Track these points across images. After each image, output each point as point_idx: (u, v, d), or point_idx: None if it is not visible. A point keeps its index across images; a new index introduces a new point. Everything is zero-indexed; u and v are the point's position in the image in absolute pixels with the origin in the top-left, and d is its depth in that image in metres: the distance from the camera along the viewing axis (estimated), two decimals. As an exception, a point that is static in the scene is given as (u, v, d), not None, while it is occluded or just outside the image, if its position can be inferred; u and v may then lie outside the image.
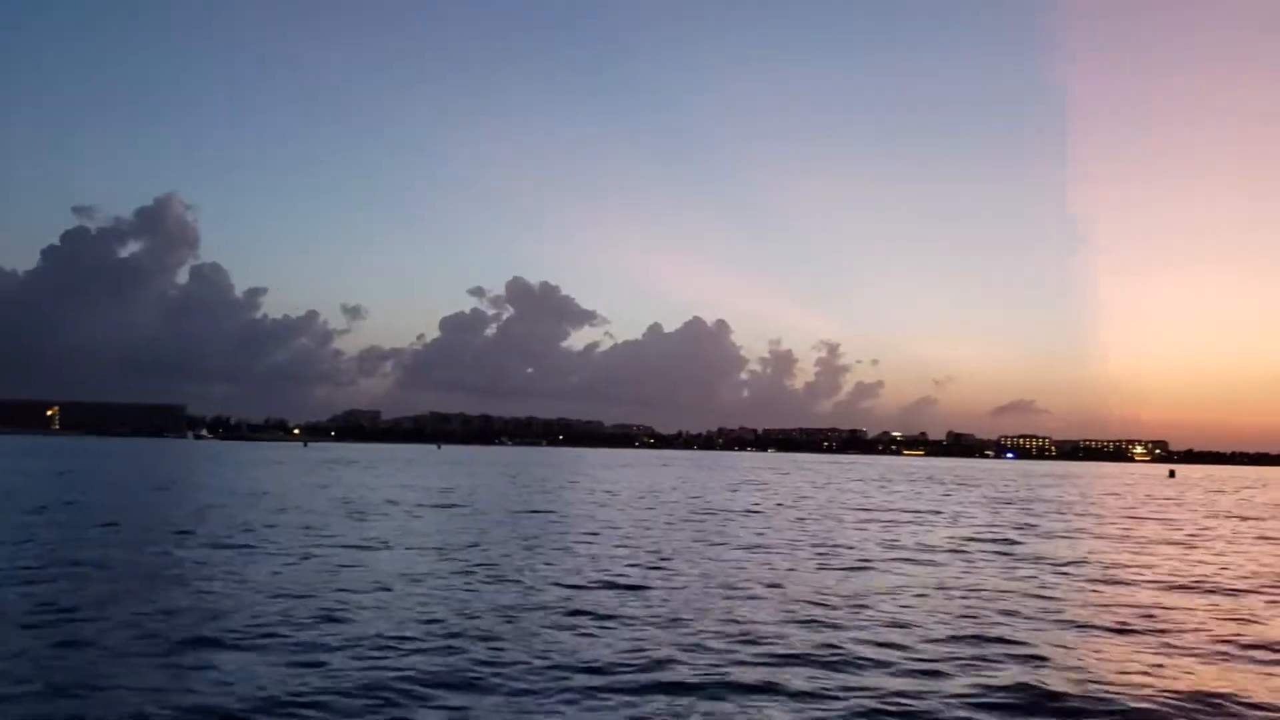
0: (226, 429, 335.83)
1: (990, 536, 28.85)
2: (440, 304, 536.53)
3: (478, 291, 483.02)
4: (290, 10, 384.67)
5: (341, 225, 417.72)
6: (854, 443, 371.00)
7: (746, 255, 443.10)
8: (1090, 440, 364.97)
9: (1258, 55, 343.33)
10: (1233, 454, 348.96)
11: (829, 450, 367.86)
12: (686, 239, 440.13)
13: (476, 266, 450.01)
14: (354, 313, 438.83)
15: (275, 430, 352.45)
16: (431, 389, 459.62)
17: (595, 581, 17.25)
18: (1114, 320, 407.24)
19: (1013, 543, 26.88)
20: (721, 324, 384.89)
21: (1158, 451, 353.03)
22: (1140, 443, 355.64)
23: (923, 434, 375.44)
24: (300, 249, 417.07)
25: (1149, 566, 21.95)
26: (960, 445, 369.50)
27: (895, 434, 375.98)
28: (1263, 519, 42.09)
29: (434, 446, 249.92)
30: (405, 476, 61.99)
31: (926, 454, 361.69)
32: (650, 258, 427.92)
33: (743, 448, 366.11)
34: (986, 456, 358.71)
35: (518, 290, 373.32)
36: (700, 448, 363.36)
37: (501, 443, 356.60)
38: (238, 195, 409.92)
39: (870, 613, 14.80)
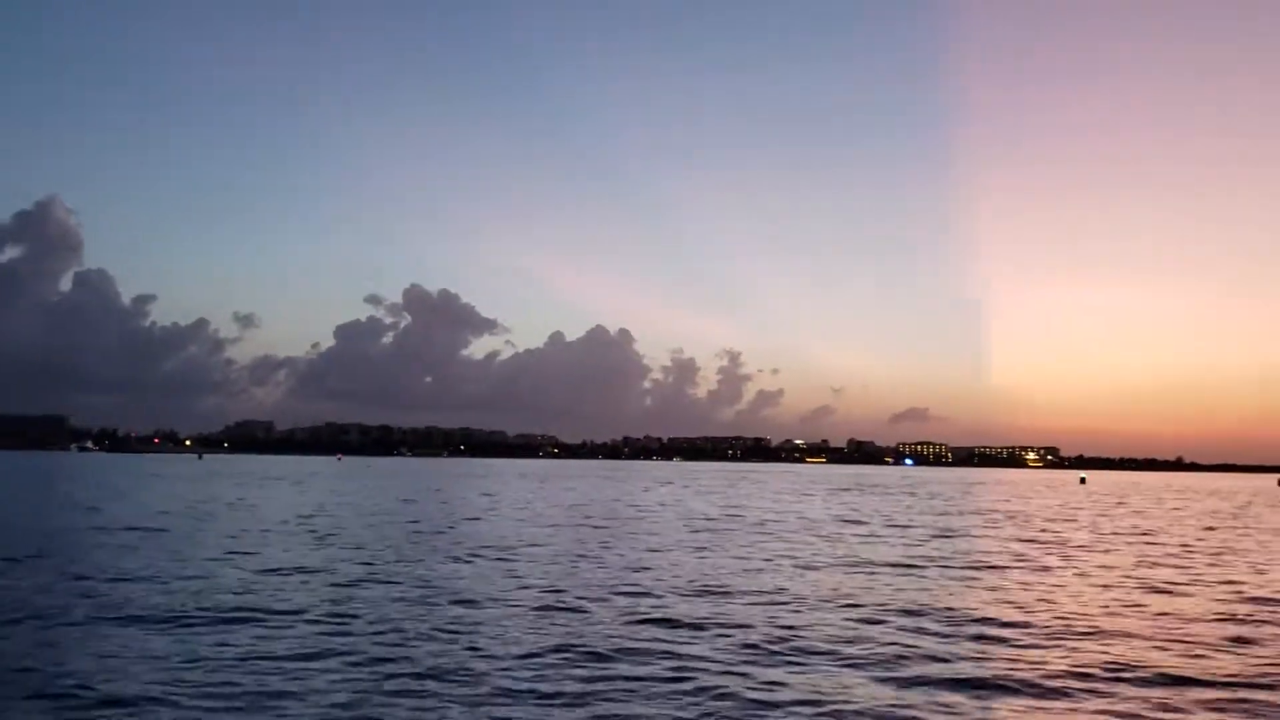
0: (114, 441, 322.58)
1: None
2: (336, 312, 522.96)
3: (374, 299, 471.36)
4: (181, 11, 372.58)
5: (233, 231, 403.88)
6: (758, 451, 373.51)
7: (649, 264, 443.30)
8: (985, 447, 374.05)
9: (1139, 69, 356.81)
10: (1120, 460, 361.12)
11: (733, 458, 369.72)
12: (589, 247, 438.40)
13: (373, 274, 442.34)
14: (246, 321, 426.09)
15: (165, 442, 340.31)
16: (327, 399, 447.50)
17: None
18: (1003, 329, 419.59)
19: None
20: (624, 333, 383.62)
21: (1049, 458, 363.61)
22: (1033, 449, 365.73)
23: (824, 442, 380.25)
24: (190, 255, 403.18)
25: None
26: (862, 453, 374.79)
27: (798, 442, 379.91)
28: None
29: (334, 458, 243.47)
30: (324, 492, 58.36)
31: (829, 461, 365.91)
32: (552, 266, 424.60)
33: (649, 456, 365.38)
34: (887, 464, 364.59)
35: (416, 298, 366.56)
36: (606, 457, 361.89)
37: (401, 453, 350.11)
38: (123, 199, 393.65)
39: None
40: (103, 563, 19.87)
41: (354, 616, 14.41)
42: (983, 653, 12.74)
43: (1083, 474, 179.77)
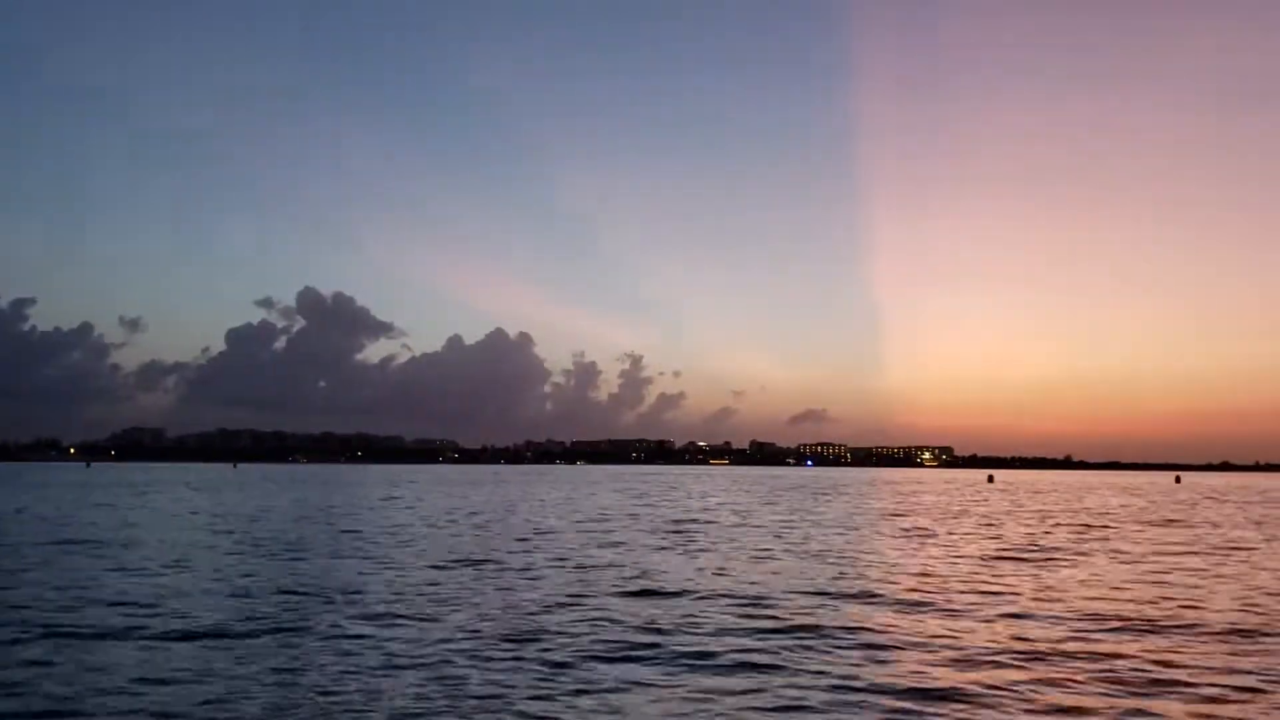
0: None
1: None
2: (226, 316, 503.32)
3: (266, 302, 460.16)
4: (56, 6, 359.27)
5: (117, 233, 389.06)
6: (661, 453, 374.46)
7: (550, 267, 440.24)
8: (881, 447, 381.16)
9: (1028, 84, 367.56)
10: (1012, 458, 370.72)
11: (637, 461, 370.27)
12: (489, 250, 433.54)
13: (265, 277, 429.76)
14: (132, 325, 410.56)
15: (47, 450, 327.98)
16: (218, 405, 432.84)
17: None
18: (895, 332, 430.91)
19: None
20: (525, 336, 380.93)
21: (944, 457, 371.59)
22: (928, 449, 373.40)
23: (727, 443, 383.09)
24: (72, 257, 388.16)
25: None
26: (764, 454, 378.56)
27: (702, 444, 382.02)
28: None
29: (228, 465, 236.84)
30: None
31: (732, 463, 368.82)
32: (449, 268, 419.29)
33: (552, 461, 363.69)
34: (788, 464, 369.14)
35: (309, 301, 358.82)
36: (508, 462, 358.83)
37: (296, 460, 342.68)
38: (0, 200, 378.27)
39: None
40: None
41: None
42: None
43: (990, 472, 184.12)
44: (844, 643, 13.37)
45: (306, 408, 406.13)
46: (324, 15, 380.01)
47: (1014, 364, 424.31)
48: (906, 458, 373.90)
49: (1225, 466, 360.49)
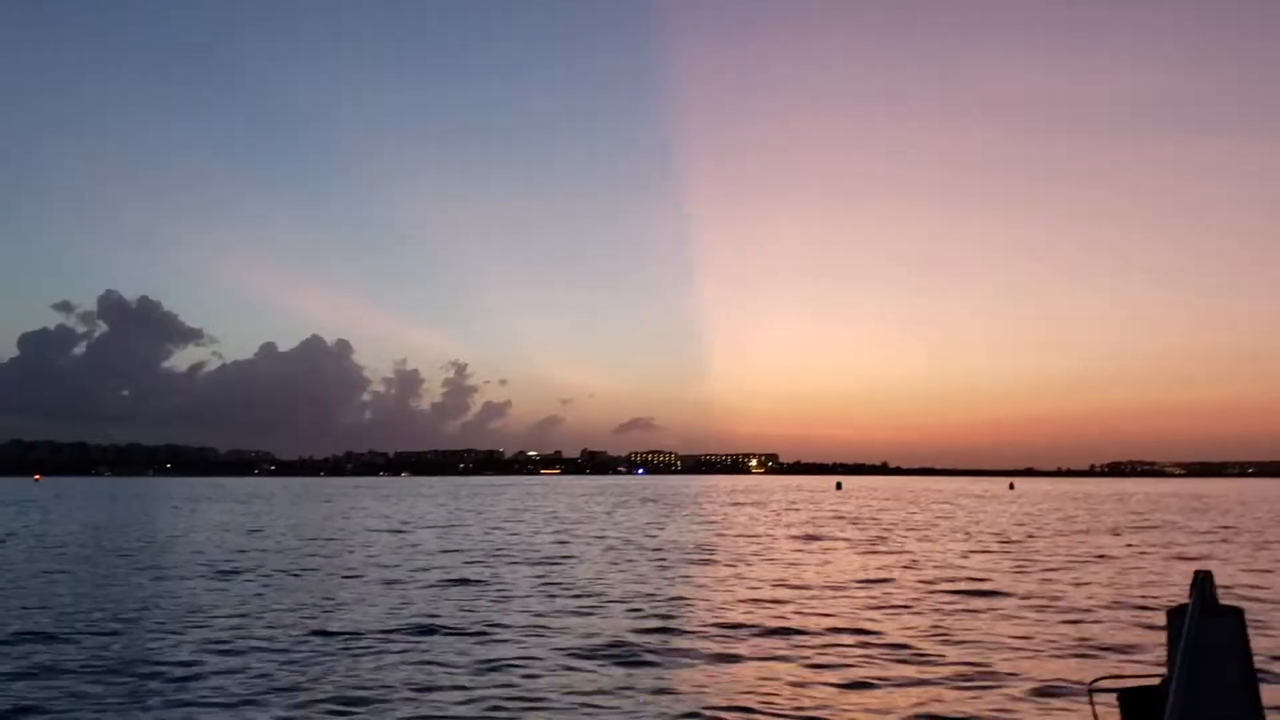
0: None
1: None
2: (19, 320, 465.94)
3: (64, 306, 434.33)
4: None
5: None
6: (491, 463, 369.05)
7: (370, 274, 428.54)
8: (710, 454, 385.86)
9: (851, 95, 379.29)
10: (833, 465, 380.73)
11: (466, 471, 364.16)
12: (304, 255, 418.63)
13: (63, 279, 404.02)
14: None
15: None
16: (12, 414, 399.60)
17: None
18: (719, 342, 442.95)
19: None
20: (343, 343, 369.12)
21: (770, 464, 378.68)
22: (755, 455, 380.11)
23: (558, 452, 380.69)
24: None
25: None
26: (595, 463, 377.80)
27: (532, 453, 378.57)
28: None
29: (30, 479, 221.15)
30: None
31: (563, 472, 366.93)
32: (263, 273, 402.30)
33: (375, 472, 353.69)
34: (620, 472, 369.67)
35: (112, 306, 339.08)
36: (329, 473, 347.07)
37: (100, 473, 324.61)
38: None
39: None
40: None
41: None
42: None
43: (838, 479, 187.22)
44: None
45: (109, 418, 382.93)
46: (132, 12, 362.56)
47: (831, 373, 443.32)
48: (735, 464, 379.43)
49: (1029, 472, 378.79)
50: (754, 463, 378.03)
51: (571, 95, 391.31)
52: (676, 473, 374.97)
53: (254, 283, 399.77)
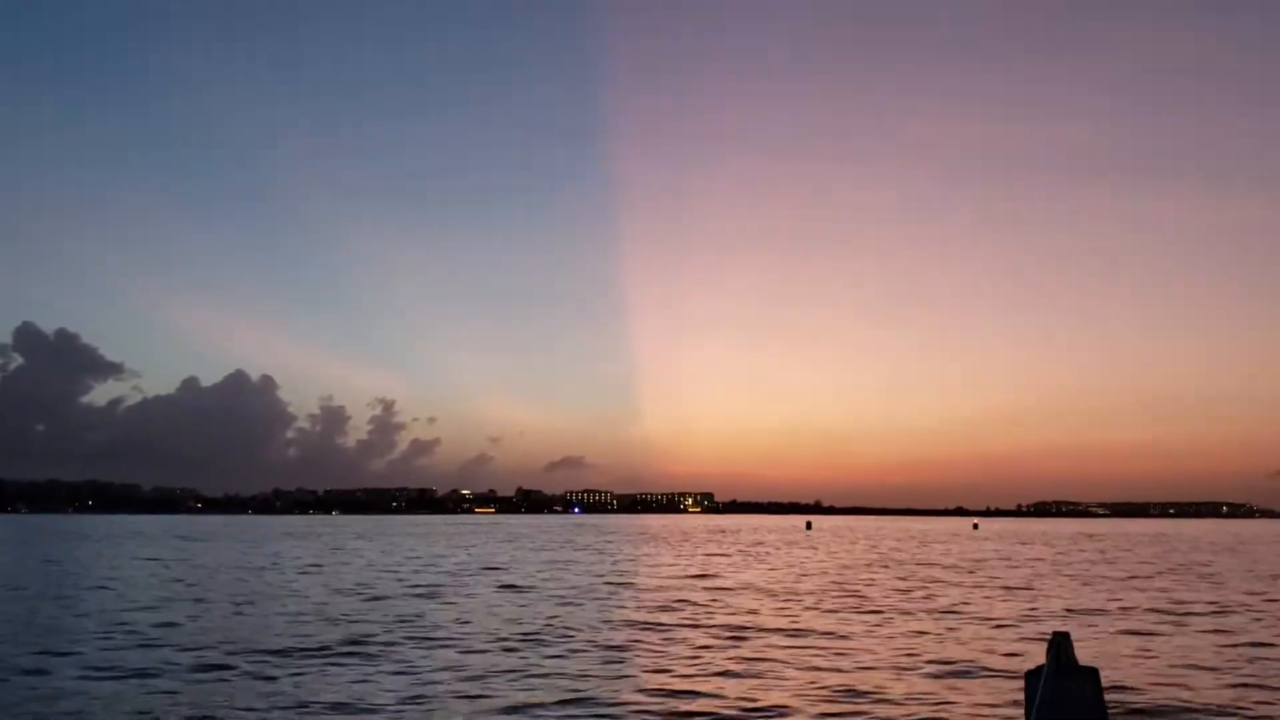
0: None
1: None
2: None
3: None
4: None
5: None
6: (423, 502, 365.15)
7: (296, 309, 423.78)
8: (646, 493, 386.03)
9: (766, 145, 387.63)
10: (769, 503, 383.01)
11: (398, 510, 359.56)
12: (228, 289, 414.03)
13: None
14: None
15: None
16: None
17: None
18: (651, 381, 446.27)
19: None
20: (267, 379, 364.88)
21: (705, 503, 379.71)
22: (691, 495, 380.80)
23: (492, 491, 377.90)
24: None
25: None
26: (530, 501, 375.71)
27: (465, 492, 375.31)
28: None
29: None
30: None
31: (498, 511, 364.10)
32: (186, 307, 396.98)
33: (305, 510, 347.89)
34: (556, 511, 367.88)
35: (27, 338, 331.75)
36: (256, 511, 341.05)
37: (16, 510, 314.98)
38: None
39: None
40: None
41: None
42: None
43: (809, 519, 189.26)
44: None
45: (25, 453, 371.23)
46: (50, 38, 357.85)
47: (763, 413, 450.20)
48: (670, 504, 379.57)
49: (960, 511, 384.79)
50: (690, 501, 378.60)
51: (502, 133, 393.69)
52: (612, 511, 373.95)
53: (176, 316, 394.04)
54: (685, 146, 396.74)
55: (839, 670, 15.46)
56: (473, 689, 14.01)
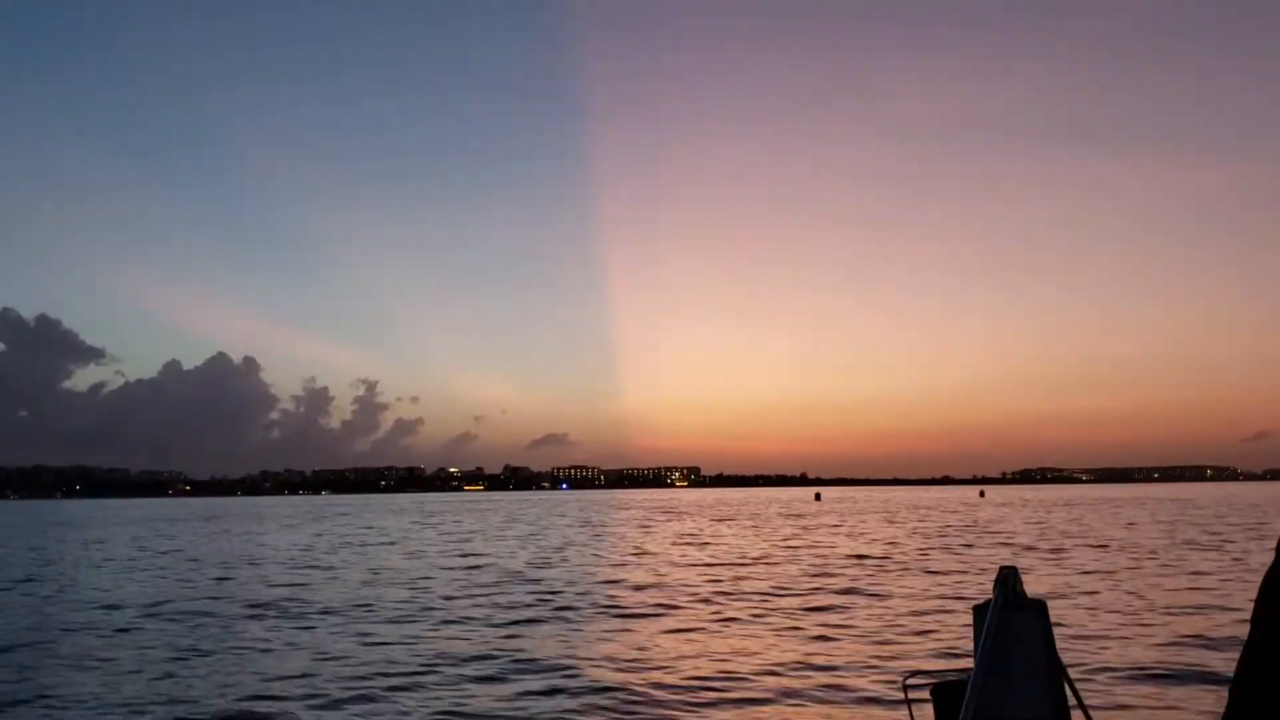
0: None
1: None
2: None
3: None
4: None
5: None
6: (412, 480, 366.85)
7: (278, 290, 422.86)
8: (633, 468, 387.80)
9: (743, 118, 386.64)
10: (755, 476, 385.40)
11: (386, 489, 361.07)
12: (208, 272, 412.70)
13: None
14: None
15: None
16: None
17: None
18: (632, 356, 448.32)
19: None
20: (250, 361, 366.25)
21: (693, 477, 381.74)
22: (677, 469, 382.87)
23: (479, 468, 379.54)
24: None
25: None
26: (517, 478, 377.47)
27: (453, 470, 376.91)
28: None
29: None
30: None
31: (487, 488, 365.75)
32: (165, 290, 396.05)
33: (294, 491, 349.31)
34: (544, 488, 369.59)
35: (9, 324, 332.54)
36: (245, 493, 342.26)
37: (5, 496, 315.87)
38: None
39: None
40: None
41: None
42: None
43: (818, 490, 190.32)
44: None
45: (9, 440, 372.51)
46: (29, 22, 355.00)
47: (746, 386, 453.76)
48: (657, 478, 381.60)
49: (946, 480, 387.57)
50: (677, 475, 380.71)
51: (480, 112, 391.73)
52: (600, 487, 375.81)
53: (157, 299, 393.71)
54: (663, 118, 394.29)
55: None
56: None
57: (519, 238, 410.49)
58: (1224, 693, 1.87)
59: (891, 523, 53.12)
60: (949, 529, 45.20)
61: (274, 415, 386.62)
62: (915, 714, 2.90)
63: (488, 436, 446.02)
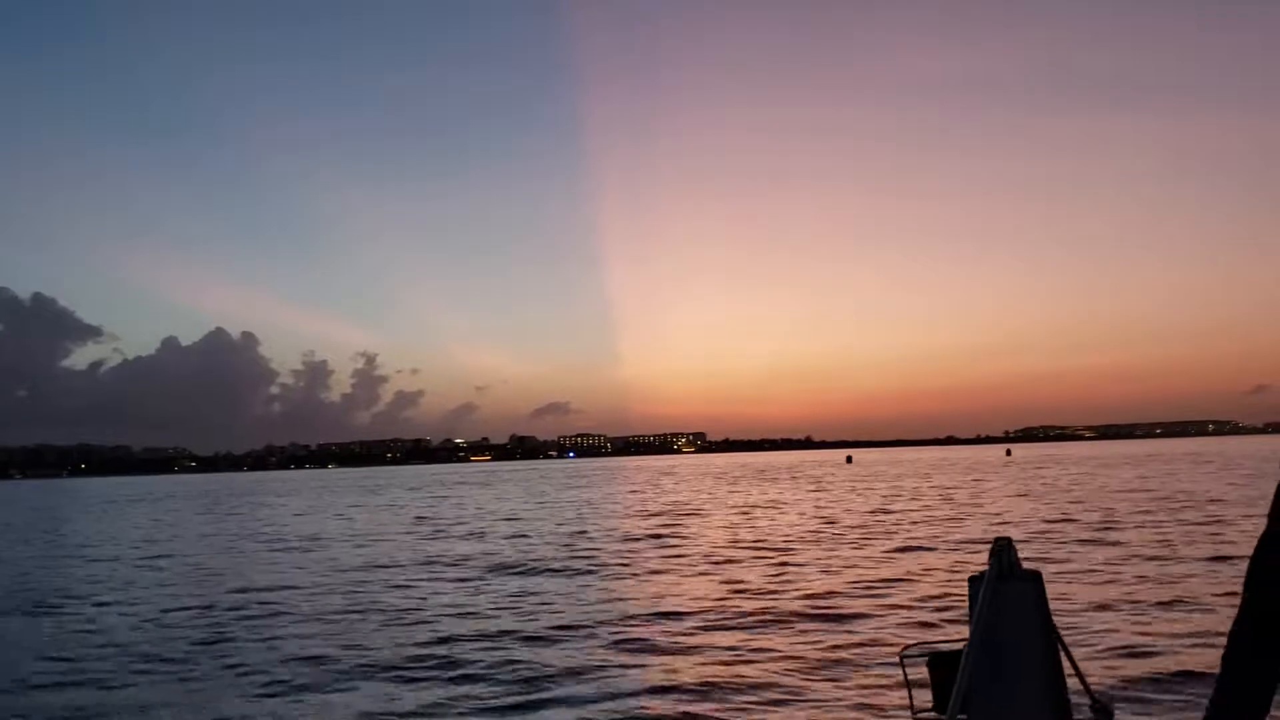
0: None
1: None
2: None
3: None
4: None
5: None
6: (418, 452, 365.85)
7: (275, 265, 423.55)
8: (639, 435, 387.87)
9: (736, 85, 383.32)
10: (761, 440, 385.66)
11: (393, 461, 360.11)
12: (205, 248, 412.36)
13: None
14: None
15: None
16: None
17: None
18: (630, 324, 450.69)
19: None
20: (248, 336, 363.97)
21: (699, 443, 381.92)
22: (683, 435, 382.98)
23: (485, 439, 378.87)
24: None
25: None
26: (524, 448, 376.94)
27: (459, 440, 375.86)
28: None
29: None
30: None
31: (494, 458, 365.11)
32: (161, 266, 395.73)
33: (300, 465, 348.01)
34: (551, 457, 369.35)
35: (4, 304, 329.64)
36: (251, 468, 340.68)
37: (11, 476, 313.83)
38: None
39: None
40: None
41: None
42: None
43: (849, 453, 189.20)
44: None
45: (11, 419, 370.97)
46: (22, 6, 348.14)
47: (748, 351, 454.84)
48: (664, 445, 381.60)
49: (950, 440, 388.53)
50: (683, 441, 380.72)
51: (479, 86, 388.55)
52: (607, 455, 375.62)
53: (152, 275, 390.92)
54: (660, 86, 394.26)
55: None
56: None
57: (516, 208, 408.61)
58: None
59: (981, 483, 50.34)
60: (1052, 489, 42.11)
61: (273, 390, 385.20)
62: (912, 685, 2.90)
63: (489, 407, 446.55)
